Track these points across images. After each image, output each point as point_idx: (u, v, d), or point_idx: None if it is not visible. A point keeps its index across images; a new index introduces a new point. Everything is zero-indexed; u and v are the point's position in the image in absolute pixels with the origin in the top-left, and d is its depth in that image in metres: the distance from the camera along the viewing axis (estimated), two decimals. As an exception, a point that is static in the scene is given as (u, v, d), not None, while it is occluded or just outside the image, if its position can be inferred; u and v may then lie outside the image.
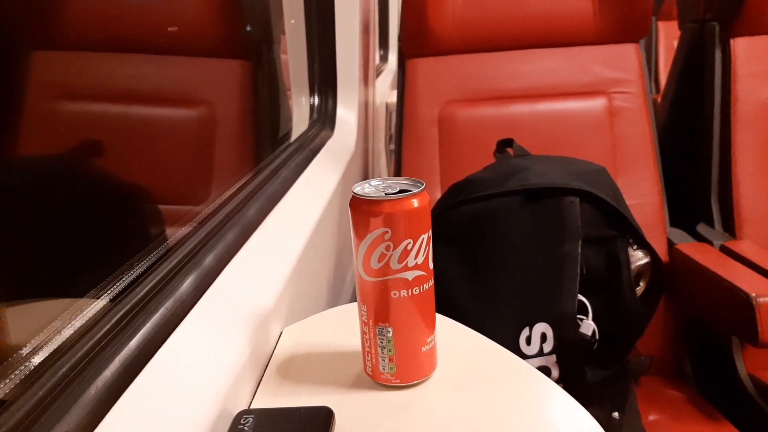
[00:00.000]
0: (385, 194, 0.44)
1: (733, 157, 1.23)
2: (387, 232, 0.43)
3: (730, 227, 1.22)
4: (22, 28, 0.47)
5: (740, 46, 1.25)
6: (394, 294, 0.45)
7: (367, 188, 0.46)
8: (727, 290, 0.99)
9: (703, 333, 1.20)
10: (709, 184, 1.26)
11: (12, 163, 0.46)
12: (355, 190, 0.45)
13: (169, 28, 0.80)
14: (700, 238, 1.21)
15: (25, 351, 0.35)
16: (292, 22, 1.18)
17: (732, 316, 1.02)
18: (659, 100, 1.52)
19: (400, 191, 0.44)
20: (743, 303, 0.95)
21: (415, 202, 0.44)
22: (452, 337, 0.54)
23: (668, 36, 2.85)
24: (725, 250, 1.14)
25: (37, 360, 0.35)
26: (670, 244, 1.20)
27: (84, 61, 0.57)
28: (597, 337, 0.89)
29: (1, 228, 0.40)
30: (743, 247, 1.14)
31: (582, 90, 1.28)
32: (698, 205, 1.28)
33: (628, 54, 1.29)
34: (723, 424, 1.02)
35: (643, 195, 1.22)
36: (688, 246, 1.16)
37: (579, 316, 0.88)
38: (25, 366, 0.34)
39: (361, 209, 0.44)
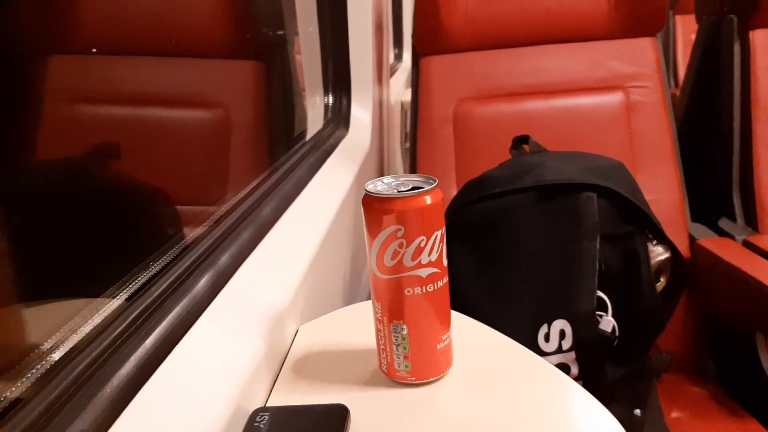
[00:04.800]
0: (398, 191, 0.44)
1: (755, 150, 1.21)
2: (400, 229, 0.43)
3: (752, 221, 1.20)
4: (37, 32, 0.48)
5: (759, 38, 1.23)
6: (408, 291, 0.44)
7: (380, 186, 0.45)
8: (751, 285, 0.97)
9: (725, 329, 1.18)
10: (730, 178, 1.24)
11: (32, 167, 0.46)
12: (367, 188, 0.44)
13: (183, 31, 0.81)
14: (722, 233, 1.19)
15: (41, 350, 0.36)
16: (311, 29, 1.18)
17: (755, 312, 1.00)
18: (678, 94, 1.49)
19: (413, 188, 0.44)
20: (767, 298, 0.93)
21: (428, 199, 0.43)
22: (468, 334, 0.53)
23: (686, 29, 2.82)
24: (748, 245, 1.12)
25: (53, 359, 0.35)
26: (692, 239, 1.18)
27: (99, 64, 0.58)
28: (617, 333, 0.88)
29: (19, 229, 0.40)
30: (767, 241, 1.11)
31: (598, 85, 1.27)
32: (719, 200, 1.26)
33: (645, 48, 1.28)
34: (747, 421, 1.01)
35: (662, 190, 1.21)
36: (709, 241, 1.15)
37: (598, 312, 0.87)
38: (41, 365, 0.35)
39: (374, 207, 0.44)
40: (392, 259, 0.44)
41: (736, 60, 1.25)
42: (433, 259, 0.44)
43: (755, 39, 1.23)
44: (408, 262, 0.44)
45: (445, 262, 0.45)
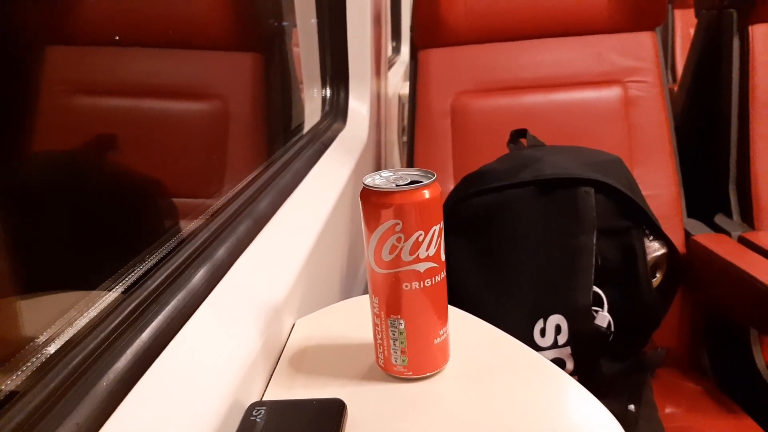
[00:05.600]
0: (396, 185, 0.43)
1: (752, 146, 1.21)
2: (398, 223, 0.43)
3: (748, 218, 1.20)
4: (34, 23, 0.47)
5: (759, 33, 1.23)
6: (406, 286, 0.44)
7: (378, 179, 0.45)
8: (746, 281, 0.98)
9: (720, 325, 1.18)
10: (727, 174, 1.24)
11: (27, 159, 0.46)
12: (365, 182, 0.44)
13: (180, 22, 0.80)
14: (717, 229, 1.19)
15: (37, 343, 0.35)
16: (310, 21, 1.17)
17: (750, 308, 1.00)
18: (676, 89, 1.49)
19: (411, 182, 0.44)
20: (761, 294, 0.93)
21: (426, 193, 0.43)
22: (465, 329, 0.53)
23: (685, 24, 2.81)
24: (743, 241, 1.12)
25: (49, 352, 0.35)
26: (687, 235, 1.18)
27: (95, 55, 0.57)
28: (612, 329, 0.88)
29: (15, 221, 0.40)
30: (762, 237, 1.12)
31: (597, 79, 1.27)
32: (716, 196, 1.26)
33: (644, 42, 1.27)
34: (741, 417, 1.01)
35: (659, 185, 1.21)
36: (705, 237, 1.15)
37: (594, 307, 0.87)
38: (37, 358, 0.34)
39: (372, 201, 0.43)
40: (390, 253, 0.44)
41: (735, 55, 1.24)
42: (431, 254, 0.44)
43: (755, 34, 1.23)
44: (406, 257, 0.44)
45: (443, 256, 0.45)
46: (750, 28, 1.23)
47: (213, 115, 0.90)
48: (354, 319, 0.56)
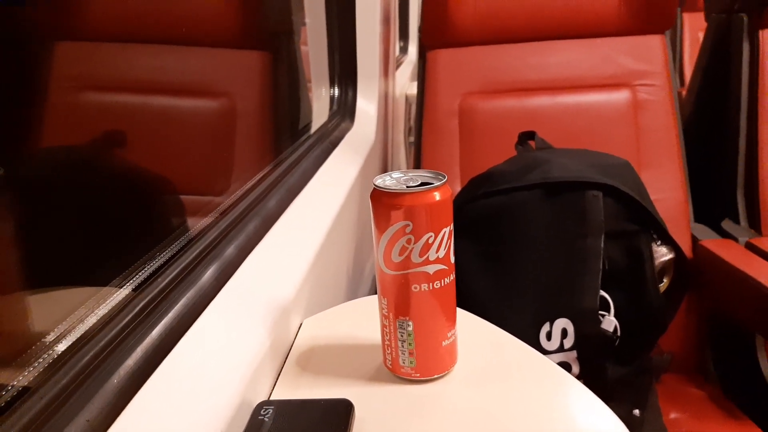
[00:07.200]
0: (407, 187, 0.43)
1: (760, 151, 1.20)
2: (408, 225, 0.43)
3: (756, 223, 1.19)
4: (44, 18, 0.47)
5: None
6: (415, 288, 0.44)
7: (389, 181, 0.45)
8: (752, 287, 0.97)
9: (726, 330, 1.18)
10: (734, 179, 1.23)
11: (37, 155, 0.46)
12: (376, 183, 0.44)
13: (189, 19, 0.80)
14: (725, 235, 1.19)
15: (48, 339, 0.36)
16: (318, 20, 1.17)
17: (756, 314, 1.00)
18: (684, 93, 1.49)
19: (422, 184, 0.44)
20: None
21: (437, 195, 0.43)
22: (473, 331, 0.53)
23: (694, 28, 2.80)
24: (751, 247, 1.12)
25: (60, 348, 0.35)
26: (695, 240, 1.18)
27: (104, 52, 0.58)
28: (618, 333, 0.88)
29: (27, 217, 0.40)
30: None
31: (606, 82, 1.26)
32: (723, 201, 1.26)
33: (654, 46, 1.27)
34: (745, 424, 1.01)
35: (667, 189, 1.20)
36: (712, 242, 1.14)
37: (601, 311, 0.87)
38: (48, 354, 0.35)
39: (383, 202, 0.43)
40: (400, 255, 0.44)
41: (745, 59, 1.24)
42: (440, 256, 0.44)
43: (765, 38, 1.22)
44: (416, 259, 0.43)
45: (452, 259, 0.45)
46: (760, 32, 1.22)
47: (221, 113, 0.90)
48: (361, 320, 0.56)
